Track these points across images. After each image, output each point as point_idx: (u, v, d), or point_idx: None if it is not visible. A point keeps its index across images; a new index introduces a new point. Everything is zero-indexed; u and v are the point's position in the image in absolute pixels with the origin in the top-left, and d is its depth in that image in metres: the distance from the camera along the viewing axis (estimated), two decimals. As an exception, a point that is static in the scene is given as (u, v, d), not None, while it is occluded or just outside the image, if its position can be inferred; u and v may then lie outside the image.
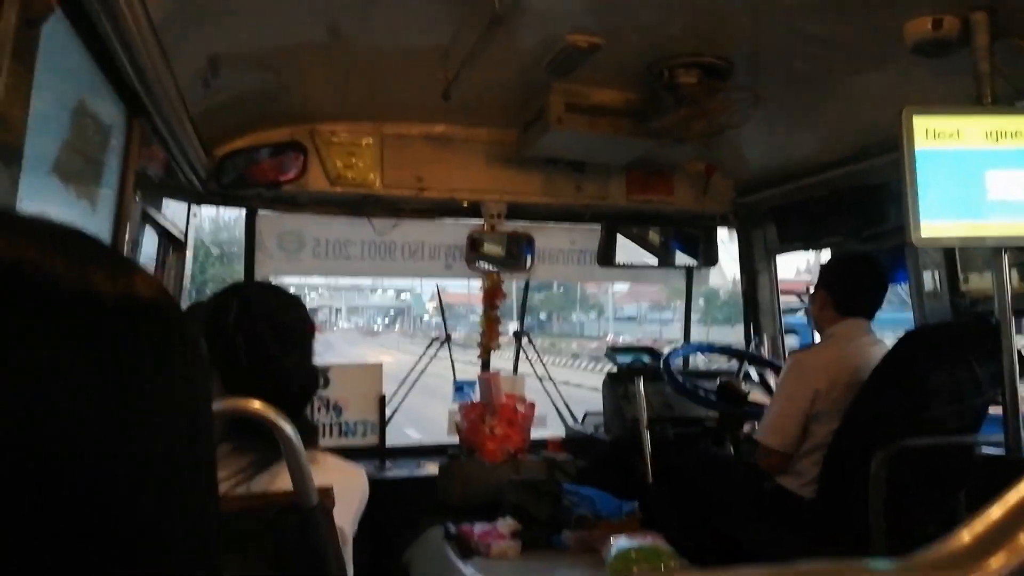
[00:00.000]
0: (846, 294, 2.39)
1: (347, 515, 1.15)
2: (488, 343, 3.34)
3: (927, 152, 1.86)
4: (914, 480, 1.98)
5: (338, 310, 44.91)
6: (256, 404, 0.95)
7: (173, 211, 2.49)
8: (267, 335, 1.19)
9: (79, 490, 0.30)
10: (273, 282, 2.83)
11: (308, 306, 1.38)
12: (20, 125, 1.07)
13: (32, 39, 1.01)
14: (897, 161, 1.95)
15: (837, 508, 2.13)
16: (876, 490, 1.89)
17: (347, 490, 1.15)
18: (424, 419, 5.55)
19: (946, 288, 2.49)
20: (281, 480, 1.08)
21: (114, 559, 0.31)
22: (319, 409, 2.93)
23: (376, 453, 2.99)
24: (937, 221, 1.87)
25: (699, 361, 4.40)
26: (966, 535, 0.29)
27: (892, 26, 1.90)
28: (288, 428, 0.92)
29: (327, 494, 1.01)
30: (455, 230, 3.25)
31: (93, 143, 1.55)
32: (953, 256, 2.49)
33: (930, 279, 2.57)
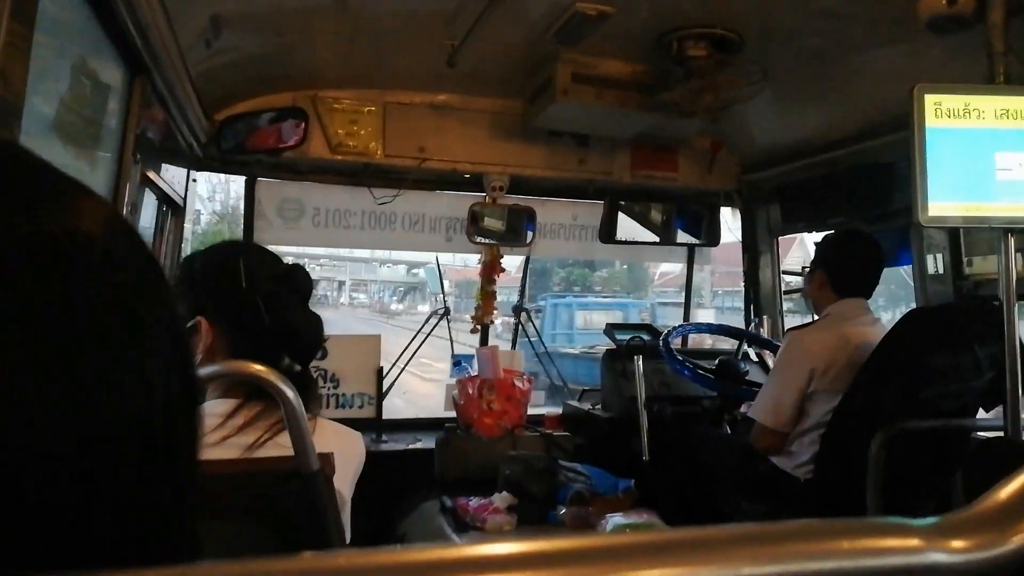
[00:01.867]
0: (844, 273, 2.38)
1: (346, 479, 1.15)
2: (483, 317, 3.33)
3: (937, 130, 1.84)
4: (912, 462, 1.99)
5: (341, 283, 40.89)
6: (257, 367, 0.94)
7: (172, 175, 2.46)
8: (282, 294, 1.21)
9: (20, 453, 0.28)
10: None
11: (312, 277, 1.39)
12: (20, 83, 1.04)
13: (32, -9, 0.98)
14: (905, 141, 1.93)
15: (833, 489, 2.14)
16: (875, 472, 1.89)
17: (345, 455, 1.15)
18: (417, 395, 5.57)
19: (950, 271, 2.48)
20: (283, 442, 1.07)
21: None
22: (316, 380, 2.91)
23: (373, 426, 2.99)
24: (944, 201, 1.85)
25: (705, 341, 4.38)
26: (1003, 493, 0.27)
27: (906, 1, 1.87)
28: (290, 392, 0.91)
29: (327, 460, 1.00)
30: (456, 202, 3.22)
31: (93, 102, 1.52)
32: (958, 238, 2.47)
33: (934, 261, 2.56)
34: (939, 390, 2.02)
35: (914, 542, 0.25)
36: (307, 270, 1.33)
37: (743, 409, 2.90)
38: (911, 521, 0.26)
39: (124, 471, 0.32)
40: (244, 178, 3.01)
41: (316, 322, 1.29)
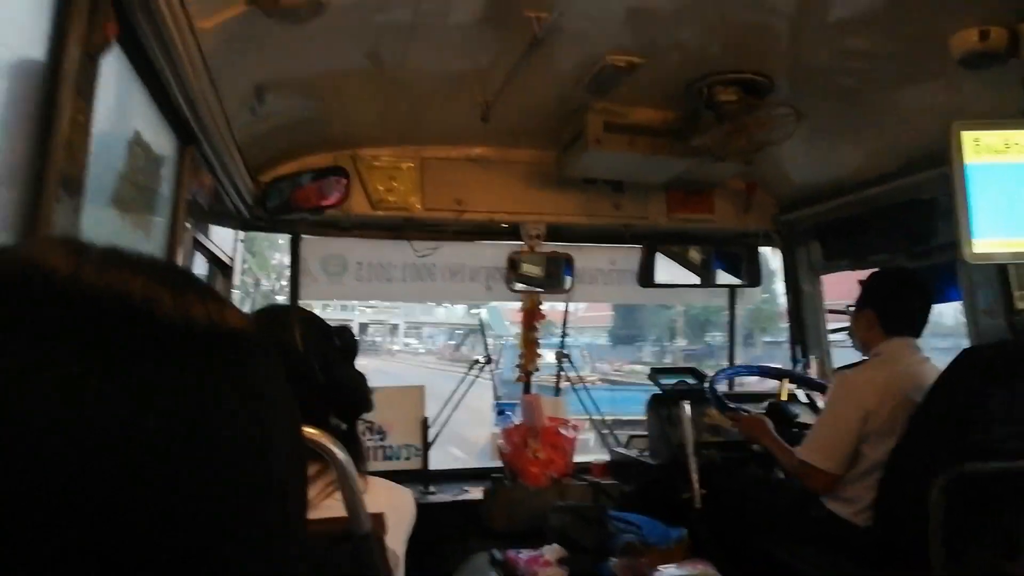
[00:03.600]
0: (893, 313, 2.32)
1: (398, 537, 1.15)
2: (527, 365, 3.32)
3: (976, 166, 1.82)
4: (974, 506, 1.91)
5: (394, 327, 37.43)
6: (308, 429, 0.95)
7: (221, 237, 2.54)
8: (334, 354, 1.25)
9: (161, 511, 0.31)
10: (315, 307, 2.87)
11: (359, 321, 1.42)
12: (83, 157, 1.10)
13: (92, 72, 1.04)
14: (945, 175, 1.90)
15: (894, 536, 2.06)
16: (936, 516, 1.82)
17: (397, 513, 1.15)
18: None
19: (1001, 306, 2.41)
20: (327, 505, 1.08)
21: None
22: (363, 432, 2.93)
23: (420, 477, 2.98)
24: (989, 237, 1.82)
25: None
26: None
27: (938, 38, 1.87)
28: (341, 454, 0.92)
29: (379, 521, 1.01)
30: (495, 252, 3.26)
31: (147, 172, 1.59)
32: (1006, 272, 2.41)
33: (983, 297, 2.49)
34: (999, 431, 1.94)
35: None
36: (351, 331, 1.36)
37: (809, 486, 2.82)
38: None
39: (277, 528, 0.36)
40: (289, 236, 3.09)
41: (362, 380, 1.31)
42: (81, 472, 0.29)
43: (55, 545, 0.28)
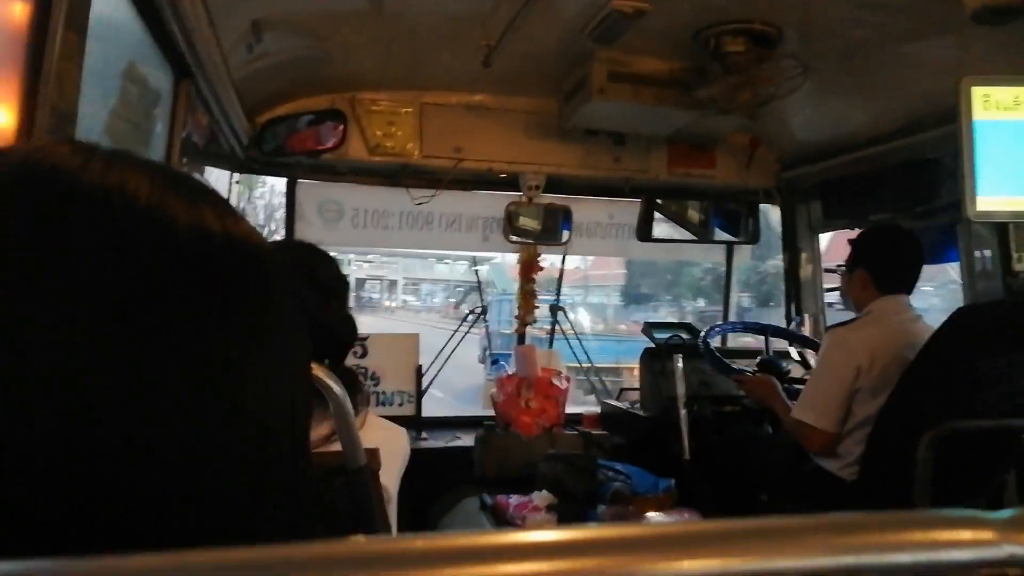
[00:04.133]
0: (887, 270, 2.32)
1: (391, 474, 1.16)
2: (524, 317, 3.33)
3: (984, 123, 1.80)
4: (961, 462, 1.94)
5: (392, 283, 34.09)
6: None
7: (216, 178, 2.51)
8: (304, 285, 1.22)
9: (181, 437, 0.30)
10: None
11: (355, 276, 1.40)
12: (74, 90, 1.07)
13: (84, 3, 1.01)
14: (950, 135, 1.88)
15: (880, 491, 2.09)
16: (923, 473, 1.85)
17: (391, 450, 1.16)
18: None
19: (999, 267, 2.41)
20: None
21: (193, 511, 0.31)
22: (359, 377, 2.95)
23: (412, 423, 3.01)
24: (993, 196, 1.81)
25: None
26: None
27: (951, -8, 1.82)
28: (338, 388, 0.92)
29: (374, 456, 1.02)
30: (493, 202, 3.23)
31: (142, 107, 1.56)
32: (1006, 234, 2.41)
33: (982, 258, 2.49)
34: (990, 392, 1.96)
35: (988, 535, 0.24)
36: (336, 268, 1.34)
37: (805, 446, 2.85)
38: (986, 514, 0.26)
39: (284, 453, 0.35)
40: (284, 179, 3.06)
41: (345, 317, 1.29)
42: (86, 391, 0.28)
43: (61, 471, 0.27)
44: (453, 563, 0.22)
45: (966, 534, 0.25)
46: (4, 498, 0.27)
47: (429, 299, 33.44)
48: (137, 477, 0.28)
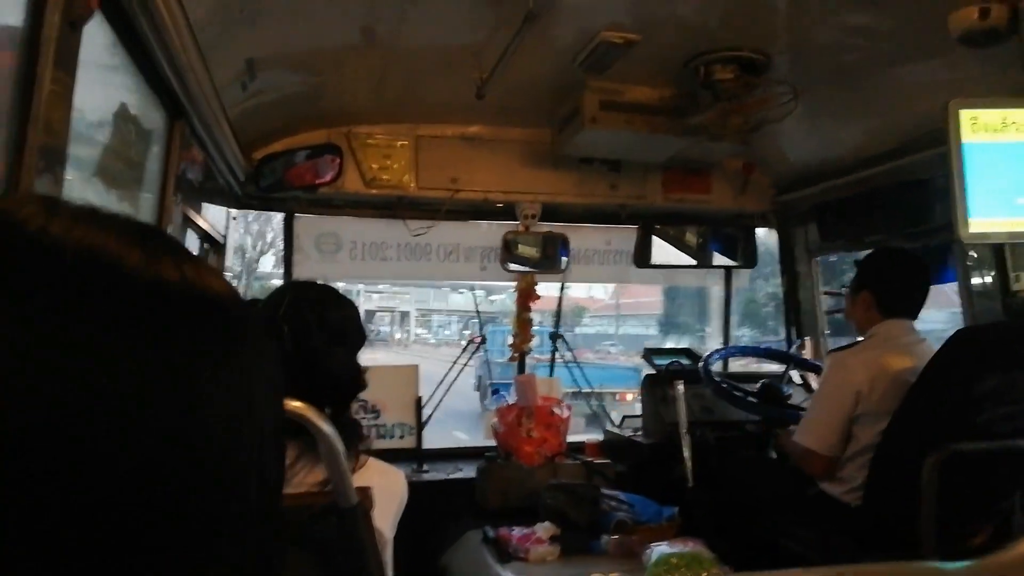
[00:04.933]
0: (892, 294, 2.31)
1: (386, 517, 1.15)
2: (521, 346, 3.32)
3: (974, 145, 1.80)
4: (966, 486, 1.91)
5: (404, 315, 31.96)
6: (295, 403, 0.95)
7: (212, 214, 2.52)
8: (313, 328, 1.21)
9: (133, 478, 0.30)
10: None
11: (364, 308, 1.39)
12: (63, 129, 1.08)
13: (73, 42, 1.02)
14: (943, 155, 1.89)
15: (885, 515, 2.07)
16: (928, 496, 1.83)
17: (387, 492, 1.15)
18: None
19: (997, 287, 2.40)
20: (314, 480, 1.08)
21: (159, 558, 0.30)
22: (357, 411, 2.93)
23: (413, 456, 2.99)
24: (986, 217, 1.81)
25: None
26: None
27: (937, 16, 1.84)
28: (326, 427, 0.91)
29: (365, 495, 1.01)
30: (490, 231, 3.24)
31: (135, 146, 1.57)
32: (1003, 254, 2.40)
33: (979, 278, 2.49)
34: (992, 412, 1.95)
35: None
36: (357, 313, 1.33)
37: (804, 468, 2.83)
38: (943, 566, 0.25)
39: (251, 489, 0.35)
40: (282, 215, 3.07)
41: (352, 366, 1.28)
42: (35, 434, 0.28)
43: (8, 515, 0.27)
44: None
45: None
46: None
47: (441, 331, 31.80)
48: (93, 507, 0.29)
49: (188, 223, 2.18)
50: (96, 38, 1.17)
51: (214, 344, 0.34)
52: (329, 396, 1.18)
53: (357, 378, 1.29)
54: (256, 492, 0.35)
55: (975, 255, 2.41)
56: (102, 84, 1.35)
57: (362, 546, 0.97)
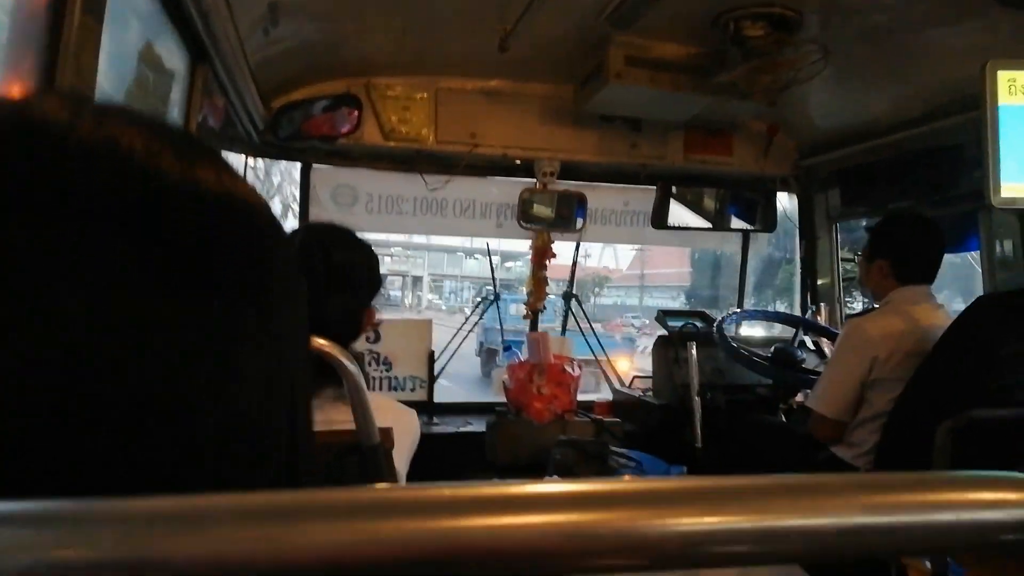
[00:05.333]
0: (907, 260, 2.28)
1: (402, 455, 1.16)
2: (535, 303, 3.32)
3: (1011, 108, 1.77)
4: (981, 453, 1.91)
5: (416, 279, 29.78)
6: (321, 341, 0.95)
7: (231, 162, 2.51)
8: (316, 270, 1.20)
9: (164, 387, 0.29)
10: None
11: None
12: (91, 71, 1.07)
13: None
14: (972, 122, 1.85)
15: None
16: (941, 463, 1.83)
17: (401, 431, 1.16)
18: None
19: (1021, 255, 2.38)
20: (334, 417, 1.09)
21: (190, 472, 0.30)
22: (369, 363, 2.96)
23: (424, 408, 3.02)
24: (1018, 182, 1.78)
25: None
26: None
27: (978, -25, 1.79)
28: (352, 367, 0.92)
29: (387, 435, 1.02)
30: (507, 188, 3.22)
31: (158, 89, 1.56)
32: (1028, 223, 2.37)
33: (1002, 246, 2.46)
34: (1010, 379, 1.94)
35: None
36: (371, 256, 1.31)
37: (799, 398, 2.84)
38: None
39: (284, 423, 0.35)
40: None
41: (349, 312, 1.26)
42: (77, 352, 0.27)
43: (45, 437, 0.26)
44: (472, 512, 0.22)
45: (1007, 494, 0.24)
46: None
47: (453, 297, 30.70)
48: (127, 438, 0.28)
49: (207, 170, 2.17)
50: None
51: (253, 261, 0.33)
52: (322, 337, 1.17)
53: (351, 328, 1.27)
54: (289, 421, 0.35)
55: (1005, 222, 2.38)
56: (126, 22, 1.33)
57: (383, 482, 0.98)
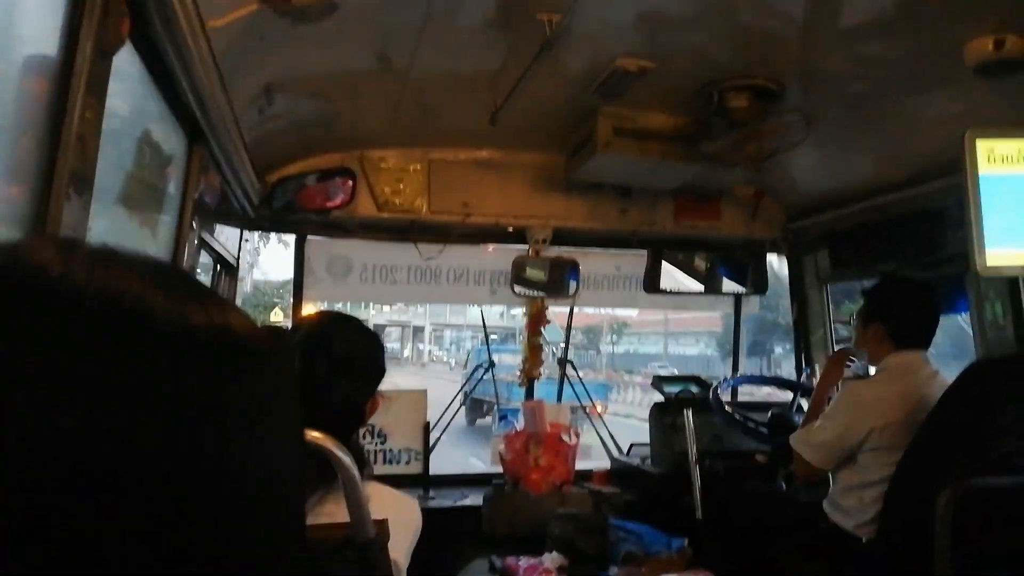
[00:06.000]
0: (903, 325, 2.28)
1: (401, 548, 1.13)
2: (530, 371, 3.31)
3: (990, 177, 1.81)
4: (983, 522, 1.89)
5: (417, 331, 28.97)
6: (314, 434, 0.94)
7: (226, 236, 2.53)
8: (320, 360, 1.20)
9: (165, 516, 0.30)
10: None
11: (373, 322, 1.38)
12: (93, 155, 1.09)
13: (104, 70, 1.03)
14: (956, 185, 1.88)
15: (898, 550, 2.04)
16: (942, 532, 1.80)
17: (401, 522, 1.14)
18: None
19: (1011, 319, 2.39)
20: (328, 512, 1.07)
21: None
22: (364, 436, 2.92)
23: (420, 481, 2.97)
24: (1003, 248, 1.81)
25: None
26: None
27: (952, 46, 1.85)
28: (347, 459, 0.91)
29: (382, 527, 1.00)
30: (500, 256, 3.24)
31: (155, 171, 1.58)
32: (1017, 285, 2.39)
33: (992, 310, 2.47)
34: (1010, 445, 1.92)
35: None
36: (377, 347, 1.31)
37: (793, 469, 2.81)
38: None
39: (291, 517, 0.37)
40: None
41: (351, 401, 1.26)
42: (70, 481, 0.28)
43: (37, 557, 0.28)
44: None
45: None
46: None
47: (454, 349, 28.85)
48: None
49: (203, 245, 2.18)
50: (123, 65, 1.18)
51: (239, 387, 0.34)
52: (323, 428, 1.15)
53: (353, 418, 1.27)
54: (275, 522, 0.36)
55: (993, 285, 2.40)
56: (127, 110, 1.36)
57: (380, 579, 0.95)
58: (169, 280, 0.34)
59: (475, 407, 10.99)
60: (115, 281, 0.31)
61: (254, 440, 0.34)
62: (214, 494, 0.32)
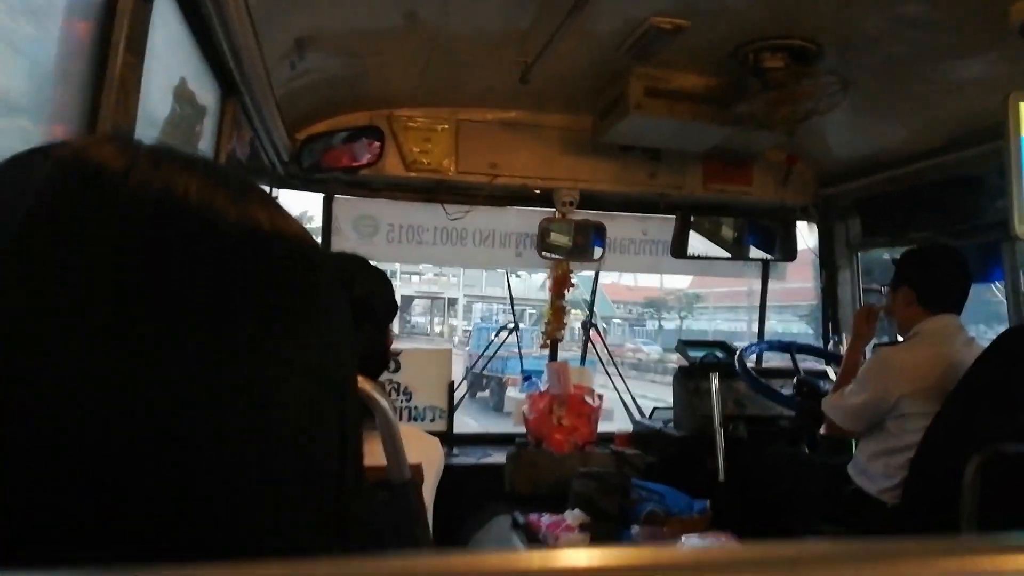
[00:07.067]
0: (934, 289, 2.26)
1: (429, 488, 1.16)
2: (553, 333, 3.32)
3: (1034, 141, 1.76)
4: (1011, 488, 1.88)
5: (451, 302, 26.45)
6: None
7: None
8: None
9: (218, 428, 0.29)
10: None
11: (401, 293, 1.37)
12: (134, 106, 1.09)
13: (145, 15, 1.03)
14: (993, 151, 1.84)
15: (923, 516, 2.04)
16: (970, 499, 1.80)
17: (428, 462, 1.16)
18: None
19: (1047, 287, 2.35)
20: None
21: (234, 514, 0.30)
22: (390, 393, 2.96)
23: (444, 439, 3.00)
24: (1043, 214, 1.77)
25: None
26: None
27: (996, 7, 1.79)
28: (385, 402, 0.92)
29: (417, 470, 1.01)
30: (527, 218, 3.24)
31: (190, 122, 1.59)
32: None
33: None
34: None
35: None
36: (390, 290, 1.32)
37: (823, 431, 2.81)
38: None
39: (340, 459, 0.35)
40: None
41: (376, 345, 1.26)
42: (131, 396, 0.27)
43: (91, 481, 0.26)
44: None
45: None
46: (34, 491, 0.26)
47: (495, 322, 25.37)
48: (178, 475, 0.28)
49: (234, 201, 2.20)
50: (161, 12, 1.18)
51: (305, 299, 0.33)
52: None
53: (384, 354, 1.28)
54: (337, 449, 0.35)
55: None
56: (163, 58, 1.36)
57: (413, 523, 0.97)
58: (232, 183, 0.33)
59: (476, 381, 11.41)
60: (179, 180, 0.31)
61: (330, 349, 0.34)
62: (300, 401, 0.32)
